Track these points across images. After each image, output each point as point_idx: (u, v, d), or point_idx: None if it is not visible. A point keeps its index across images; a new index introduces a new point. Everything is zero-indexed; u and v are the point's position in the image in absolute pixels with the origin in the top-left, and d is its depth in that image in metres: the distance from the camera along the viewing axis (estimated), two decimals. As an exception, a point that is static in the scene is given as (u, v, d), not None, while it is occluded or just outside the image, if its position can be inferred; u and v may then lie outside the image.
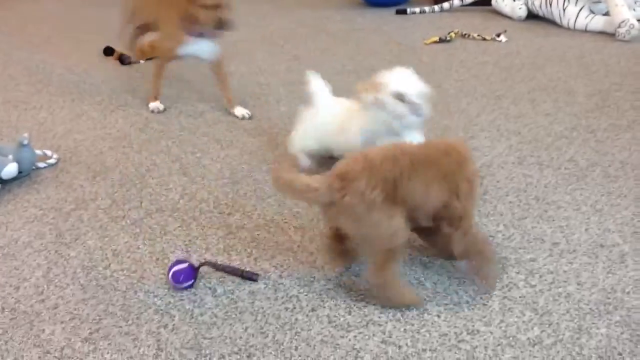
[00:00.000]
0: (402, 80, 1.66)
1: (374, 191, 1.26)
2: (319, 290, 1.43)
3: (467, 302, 1.37)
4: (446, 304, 1.37)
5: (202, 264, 1.47)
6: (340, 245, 1.45)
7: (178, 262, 1.44)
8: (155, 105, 2.51)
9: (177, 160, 2.09)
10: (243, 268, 1.49)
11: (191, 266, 1.44)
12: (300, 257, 1.56)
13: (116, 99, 2.65)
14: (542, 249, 1.56)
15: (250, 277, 1.46)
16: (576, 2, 3.62)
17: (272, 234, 1.66)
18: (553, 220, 1.69)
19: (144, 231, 1.68)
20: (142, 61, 3.16)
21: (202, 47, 2.35)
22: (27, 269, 1.52)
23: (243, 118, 2.42)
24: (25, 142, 1.94)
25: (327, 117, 1.84)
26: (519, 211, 1.74)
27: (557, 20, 3.72)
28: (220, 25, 2.21)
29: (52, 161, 2.06)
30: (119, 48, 3.21)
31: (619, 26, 3.36)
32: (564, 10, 3.66)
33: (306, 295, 1.42)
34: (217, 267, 1.48)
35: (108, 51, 3.27)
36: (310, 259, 1.55)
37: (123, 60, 3.12)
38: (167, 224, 1.71)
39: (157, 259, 1.56)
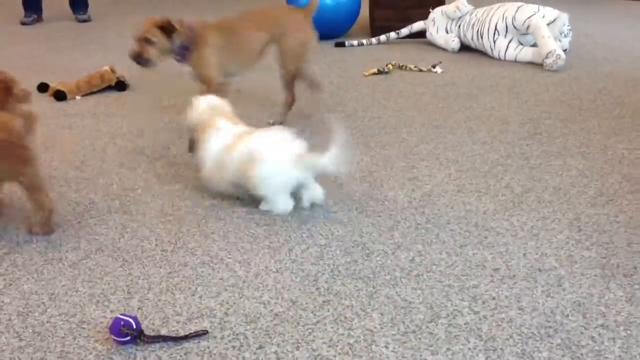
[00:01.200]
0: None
1: None
2: (265, 326, 1.41)
3: (414, 331, 1.39)
4: (393, 335, 1.38)
5: (142, 338, 1.35)
6: None
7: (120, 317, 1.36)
8: None
9: (117, 198, 2.04)
10: (187, 333, 1.38)
11: (135, 320, 1.36)
12: (247, 293, 1.54)
13: (52, 137, 2.58)
14: (483, 275, 1.60)
15: (197, 335, 1.39)
16: (505, 34, 3.79)
17: (217, 271, 1.64)
18: (493, 246, 1.74)
19: (83, 273, 1.62)
20: (78, 97, 3.09)
21: None
22: (-43, 318, 1.45)
23: None
24: None
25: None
26: (460, 239, 1.78)
27: (489, 51, 3.88)
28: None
29: None
30: (54, 84, 3.14)
31: (547, 57, 3.53)
32: (494, 42, 3.82)
33: (253, 332, 1.40)
34: (159, 339, 1.37)
35: (42, 87, 3.19)
36: (257, 294, 1.53)
37: (59, 96, 3.05)
38: (107, 265, 1.66)
39: (98, 302, 1.50)
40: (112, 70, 3.26)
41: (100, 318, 1.45)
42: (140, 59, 2.39)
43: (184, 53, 2.43)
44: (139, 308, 1.48)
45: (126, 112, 2.89)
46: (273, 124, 2.61)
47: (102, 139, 2.54)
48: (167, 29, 2.36)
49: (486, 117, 2.81)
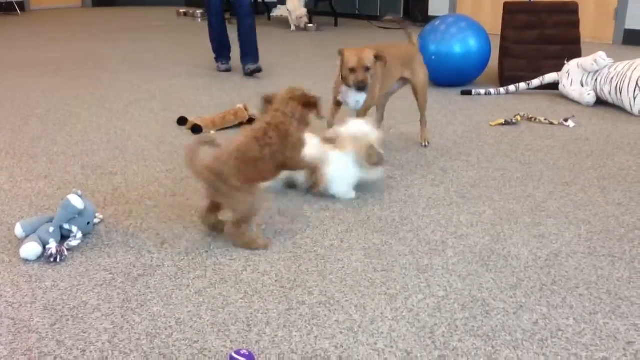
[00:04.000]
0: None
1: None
2: (379, 375, 1.40)
3: (535, 399, 1.31)
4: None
5: None
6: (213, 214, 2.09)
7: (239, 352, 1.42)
8: None
9: (242, 231, 2.13)
10: None
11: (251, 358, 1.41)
12: (361, 338, 1.54)
13: (186, 168, 2.75)
14: (615, 347, 1.49)
15: None
16: (647, 90, 3.58)
17: (333, 312, 1.65)
18: (627, 317, 1.62)
19: (207, 301, 1.70)
20: (212, 131, 3.29)
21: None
22: (94, 332, 1.56)
23: None
24: (80, 192, 2.06)
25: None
26: (590, 305, 1.67)
27: (628, 107, 3.67)
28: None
29: (97, 221, 2.17)
30: (192, 118, 3.36)
31: (694, 116, 3.28)
32: (634, 98, 3.61)
33: (366, 379, 1.39)
34: None
35: (182, 121, 3.42)
36: (371, 340, 1.52)
37: (195, 130, 3.26)
38: (230, 295, 1.73)
39: (219, 331, 1.57)
40: (245, 109, 3.44)
41: (221, 347, 1.50)
42: (362, 84, 2.64)
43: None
44: (256, 342, 1.52)
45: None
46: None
47: (231, 173, 2.68)
48: (379, 58, 2.66)
49: (622, 177, 2.64)
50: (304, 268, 1.89)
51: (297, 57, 5.72)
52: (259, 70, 4.73)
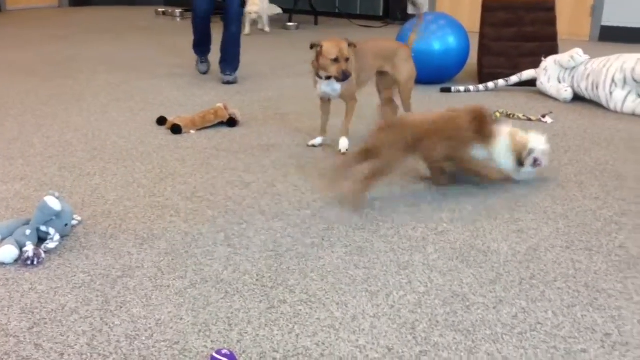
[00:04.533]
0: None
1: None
2: (360, 372, 1.40)
3: (515, 393, 1.32)
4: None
5: None
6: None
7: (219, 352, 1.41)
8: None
9: (222, 231, 2.12)
10: None
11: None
12: (343, 335, 1.54)
13: (166, 168, 2.73)
14: (593, 339, 1.51)
15: None
16: (623, 86, 3.63)
17: (314, 310, 1.65)
18: (604, 309, 1.64)
19: (188, 302, 1.69)
20: (192, 131, 3.27)
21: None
22: (73, 335, 1.54)
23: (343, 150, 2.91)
24: (57, 194, 2.02)
25: None
26: (568, 298, 1.69)
27: (604, 103, 3.72)
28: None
29: (75, 222, 2.13)
30: (172, 118, 3.34)
31: (668, 111, 3.33)
32: (610, 94, 3.66)
33: (348, 376, 1.39)
34: None
35: (161, 121, 3.40)
36: (353, 337, 1.53)
37: (175, 130, 3.24)
38: (211, 295, 1.72)
39: (200, 331, 1.56)
40: (225, 108, 3.42)
41: (202, 348, 1.49)
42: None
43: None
44: (237, 341, 1.52)
45: (236, 148, 3.01)
46: None
47: (211, 173, 2.66)
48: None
49: (600, 171, 2.68)
50: (285, 267, 1.88)
51: (276, 56, 5.71)
52: (235, 81, 4.58)
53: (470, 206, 2.32)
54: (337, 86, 2.84)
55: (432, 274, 1.84)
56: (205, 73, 4.89)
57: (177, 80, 4.64)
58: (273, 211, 2.29)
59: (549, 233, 2.10)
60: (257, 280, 1.81)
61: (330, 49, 2.71)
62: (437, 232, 2.10)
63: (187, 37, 4.96)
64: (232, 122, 3.39)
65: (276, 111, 3.72)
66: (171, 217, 2.23)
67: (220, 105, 3.44)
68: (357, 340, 1.52)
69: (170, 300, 1.70)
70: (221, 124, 3.39)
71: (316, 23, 8.25)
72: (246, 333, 1.55)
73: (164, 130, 3.30)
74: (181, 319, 1.61)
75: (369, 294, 1.73)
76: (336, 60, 2.71)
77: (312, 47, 2.80)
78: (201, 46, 4.81)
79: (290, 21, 7.88)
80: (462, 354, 1.46)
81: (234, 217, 2.23)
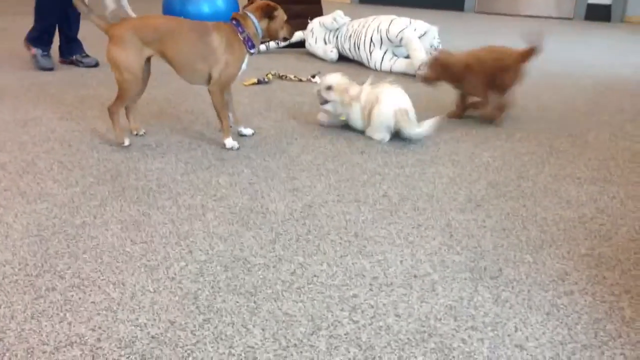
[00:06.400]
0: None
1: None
2: (142, 350, 1.35)
3: (295, 345, 1.38)
4: (275, 350, 1.37)
5: None
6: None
7: None
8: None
9: (-25, 219, 1.88)
10: None
11: None
12: (121, 316, 1.46)
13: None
14: (363, 284, 1.63)
15: None
16: (380, 46, 3.93)
17: (88, 294, 1.54)
18: (372, 255, 1.78)
19: None
20: None
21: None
22: None
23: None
24: None
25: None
26: (340, 249, 1.81)
27: (365, 62, 4.00)
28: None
29: None
30: None
31: (419, 68, 3.69)
32: (370, 53, 3.94)
33: (128, 357, 1.33)
34: None
35: None
36: (132, 316, 1.46)
37: None
38: (-37, 294, 1.52)
39: (-49, 336, 1.37)
40: None
41: (-46, 354, 1.31)
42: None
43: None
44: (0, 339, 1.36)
45: (-14, 124, 2.67)
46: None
47: (-43, 154, 2.33)
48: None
49: (364, 127, 2.88)
50: (52, 251, 1.73)
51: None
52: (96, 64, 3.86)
53: (248, 169, 2.35)
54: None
55: (212, 240, 1.83)
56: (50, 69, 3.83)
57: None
58: (35, 192, 2.08)
59: (321, 189, 2.21)
60: (19, 269, 1.63)
61: (282, 11, 2.61)
62: (217, 198, 2.09)
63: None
64: None
65: (32, 82, 3.37)
66: None
67: None
68: (137, 319, 1.46)
69: None
70: None
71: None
72: (9, 329, 1.40)
73: None
74: None
75: (148, 269, 1.66)
76: (287, 21, 2.64)
77: (271, 11, 2.60)
78: (43, 37, 3.79)
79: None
80: (245, 316, 1.48)
81: (-13, 203, 1.99)
